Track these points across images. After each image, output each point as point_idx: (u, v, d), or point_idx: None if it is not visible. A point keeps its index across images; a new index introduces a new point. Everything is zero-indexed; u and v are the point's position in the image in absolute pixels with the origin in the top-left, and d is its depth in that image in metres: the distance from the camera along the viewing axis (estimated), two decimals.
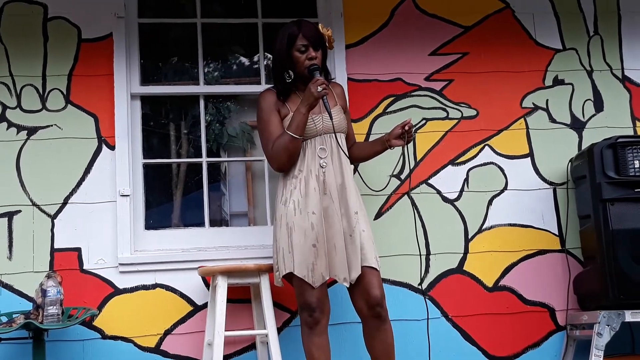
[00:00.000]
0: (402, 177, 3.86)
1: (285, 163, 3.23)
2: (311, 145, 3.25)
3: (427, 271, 3.79)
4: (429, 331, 3.52)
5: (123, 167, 3.67)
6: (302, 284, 3.13)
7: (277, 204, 3.26)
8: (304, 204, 3.17)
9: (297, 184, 3.20)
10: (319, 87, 3.13)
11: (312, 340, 3.13)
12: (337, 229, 3.16)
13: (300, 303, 3.16)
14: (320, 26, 3.39)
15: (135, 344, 3.55)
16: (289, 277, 3.20)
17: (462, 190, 3.90)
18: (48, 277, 3.32)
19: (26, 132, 3.66)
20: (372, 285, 3.16)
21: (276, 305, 3.58)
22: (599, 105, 4.07)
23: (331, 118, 3.19)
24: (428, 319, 3.56)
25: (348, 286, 3.18)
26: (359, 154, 3.47)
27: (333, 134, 3.25)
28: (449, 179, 3.90)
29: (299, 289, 3.15)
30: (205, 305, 3.61)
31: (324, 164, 3.22)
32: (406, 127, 3.26)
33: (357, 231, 3.17)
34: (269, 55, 4.18)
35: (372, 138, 3.80)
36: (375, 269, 3.18)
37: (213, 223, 3.92)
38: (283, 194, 3.24)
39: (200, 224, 3.85)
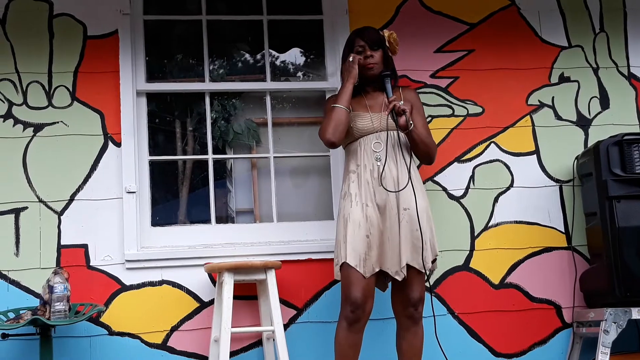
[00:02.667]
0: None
1: (328, 131, 3.28)
2: (367, 140, 3.32)
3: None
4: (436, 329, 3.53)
5: (129, 163, 3.67)
6: (350, 277, 3.14)
7: (339, 199, 3.36)
8: (359, 196, 3.23)
9: (355, 178, 3.28)
10: (350, 59, 3.32)
11: (346, 337, 3.13)
12: (392, 222, 3.21)
13: (345, 296, 3.15)
14: (382, 31, 3.48)
15: (142, 340, 3.56)
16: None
17: (468, 188, 3.90)
18: (55, 273, 3.32)
19: (32, 128, 3.66)
20: (411, 286, 3.20)
21: (282, 302, 3.59)
22: (604, 103, 4.07)
23: (395, 120, 3.23)
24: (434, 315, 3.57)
25: (400, 279, 3.18)
26: (413, 150, 3.40)
27: (391, 131, 3.30)
28: (454, 176, 3.90)
29: (346, 281, 3.15)
30: (211, 302, 3.61)
31: (379, 158, 3.27)
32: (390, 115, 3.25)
33: (403, 228, 3.18)
34: (274, 53, 4.20)
35: None
36: (421, 271, 3.20)
37: (219, 220, 3.92)
38: (342, 189, 3.34)
39: (206, 220, 3.85)
